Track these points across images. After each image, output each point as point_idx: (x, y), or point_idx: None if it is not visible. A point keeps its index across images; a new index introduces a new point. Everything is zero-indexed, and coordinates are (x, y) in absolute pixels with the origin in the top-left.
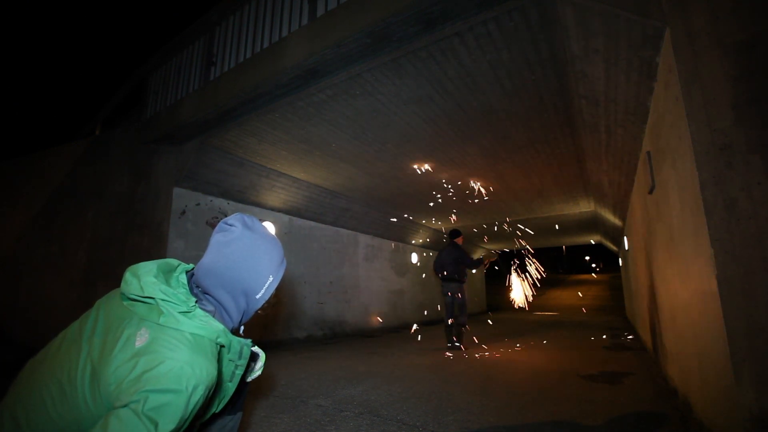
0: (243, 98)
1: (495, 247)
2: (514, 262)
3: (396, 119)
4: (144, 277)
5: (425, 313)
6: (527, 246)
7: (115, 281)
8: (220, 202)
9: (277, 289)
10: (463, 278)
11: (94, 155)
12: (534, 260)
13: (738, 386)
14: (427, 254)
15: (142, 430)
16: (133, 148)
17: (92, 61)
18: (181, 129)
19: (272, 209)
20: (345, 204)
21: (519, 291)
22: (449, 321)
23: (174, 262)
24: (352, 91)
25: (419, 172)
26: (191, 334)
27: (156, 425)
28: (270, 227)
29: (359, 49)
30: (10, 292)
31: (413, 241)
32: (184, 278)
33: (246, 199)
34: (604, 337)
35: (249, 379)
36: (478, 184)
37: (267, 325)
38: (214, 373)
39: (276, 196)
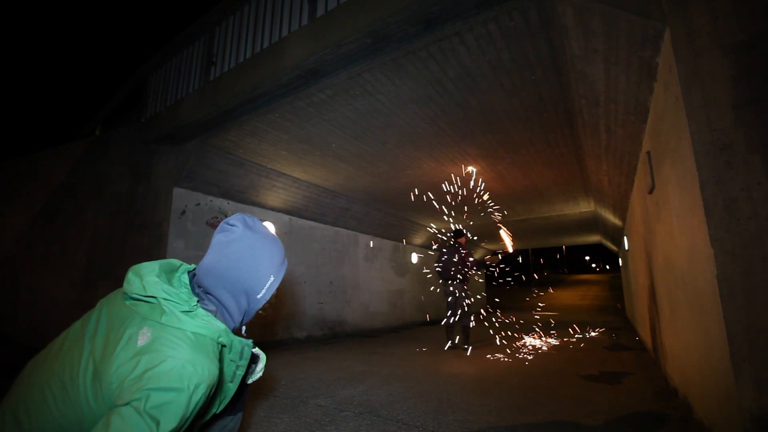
0: (243, 98)
1: (495, 247)
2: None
3: (396, 119)
4: (146, 277)
5: (425, 313)
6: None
7: (115, 281)
8: (220, 202)
9: (278, 289)
10: (467, 278)
11: (94, 155)
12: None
13: (738, 386)
14: (428, 254)
15: (143, 428)
16: (133, 148)
17: (92, 61)
18: (181, 129)
19: (272, 209)
20: (345, 204)
21: (507, 239)
22: (451, 321)
23: (176, 262)
24: (352, 91)
25: (469, 171)
26: (193, 333)
27: (158, 423)
28: (270, 227)
29: (359, 49)
30: (10, 292)
31: (413, 241)
32: (186, 278)
33: (246, 199)
34: (605, 337)
35: (250, 381)
36: (474, 170)
37: (267, 325)
38: (216, 372)
39: (276, 196)
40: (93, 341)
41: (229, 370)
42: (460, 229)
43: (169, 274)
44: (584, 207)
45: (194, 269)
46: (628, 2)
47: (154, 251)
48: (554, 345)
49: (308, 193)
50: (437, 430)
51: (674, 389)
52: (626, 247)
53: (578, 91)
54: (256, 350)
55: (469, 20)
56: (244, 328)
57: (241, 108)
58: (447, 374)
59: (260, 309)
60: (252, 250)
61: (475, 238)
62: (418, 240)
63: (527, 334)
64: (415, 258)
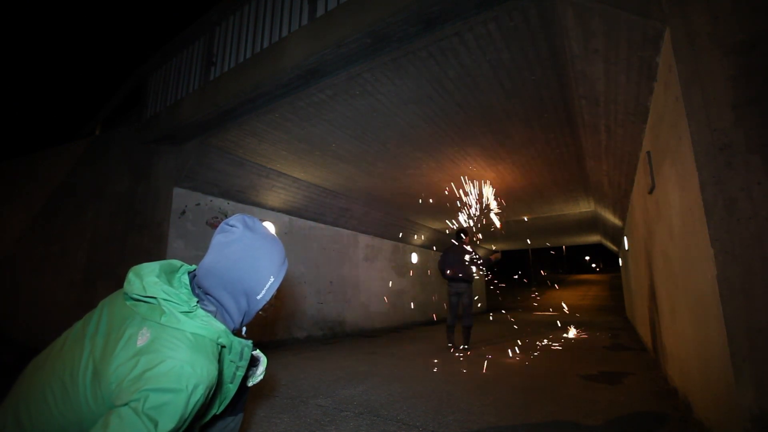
0: (243, 98)
1: (495, 247)
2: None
3: (396, 119)
4: (146, 277)
5: (425, 313)
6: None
7: (115, 281)
8: (220, 202)
9: (278, 289)
10: (472, 278)
11: (94, 155)
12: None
13: (738, 386)
14: (428, 254)
15: (141, 429)
16: (133, 148)
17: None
18: (181, 129)
19: (272, 209)
20: (345, 204)
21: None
22: (453, 322)
23: (177, 262)
24: (352, 91)
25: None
26: (192, 333)
27: (156, 424)
28: (270, 227)
29: (359, 49)
30: (10, 292)
31: (413, 241)
32: (186, 279)
33: (246, 199)
34: (605, 337)
35: (251, 384)
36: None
37: (267, 325)
38: (215, 373)
39: (276, 196)
40: (93, 341)
41: (229, 371)
42: (463, 228)
43: (169, 274)
44: (584, 207)
45: (195, 270)
46: (628, 2)
47: (154, 251)
48: (554, 345)
49: (308, 193)
50: (437, 430)
51: (674, 389)
52: (626, 247)
53: (578, 91)
54: (257, 353)
55: (469, 20)
56: (244, 329)
57: (241, 108)
58: (447, 374)
59: (260, 310)
60: (251, 251)
61: (479, 237)
62: (418, 240)
63: (527, 334)
64: (415, 258)
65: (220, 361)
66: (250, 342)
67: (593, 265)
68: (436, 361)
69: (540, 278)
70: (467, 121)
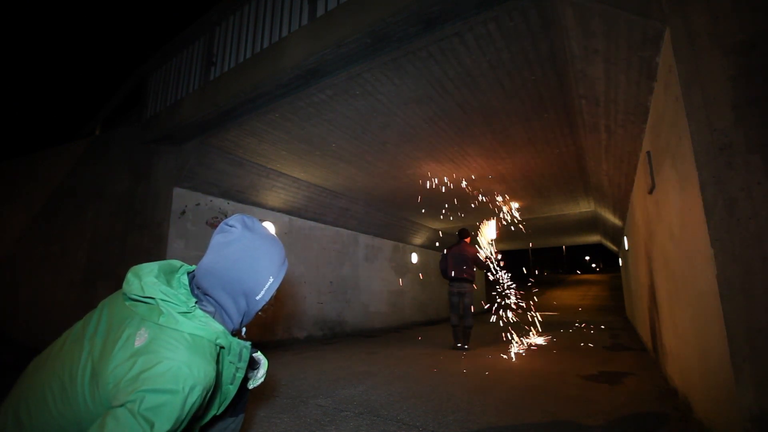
0: (243, 98)
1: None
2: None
3: (396, 119)
4: (145, 278)
5: (426, 313)
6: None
7: (115, 281)
8: (220, 202)
9: (278, 289)
10: (473, 278)
11: (94, 155)
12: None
13: (738, 386)
14: (428, 254)
15: (137, 430)
16: (133, 148)
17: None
18: (181, 129)
19: (272, 209)
20: (345, 204)
21: (491, 228)
22: (457, 321)
23: (176, 263)
24: (352, 91)
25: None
26: (190, 334)
27: (152, 426)
28: (270, 227)
29: (359, 49)
30: (10, 292)
31: (413, 241)
32: (185, 279)
33: (246, 199)
34: (605, 336)
35: (251, 386)
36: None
37: (267, 326)
38: (212, 374)
39: (276, 196)
40: (92, 341)
41: (228, 372)
42: (465, 228)
43: (168, 275)
44: (584, 207)
45: (194, 270)
46: (628, 2)
47: (154, 251)
48: (554, 345)
49: (308, 193)
50: (437, 430)
51: (674, 389)
52: (626, 247)
53: (578, 91)
54: (258, 355)
55: (469, 20)
56: (243, 329)
57: (241, 108)
58: (447, 374)
59: (260, 310)
60: (251, 251)
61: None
62: (419, 240)
63: (527, 335)
64: (415, 258)
65: (219, 362)
66: (248, 343)
67: (593, 265)
68: (435, 361)
69: (540, 278)
70: (467, 121)
